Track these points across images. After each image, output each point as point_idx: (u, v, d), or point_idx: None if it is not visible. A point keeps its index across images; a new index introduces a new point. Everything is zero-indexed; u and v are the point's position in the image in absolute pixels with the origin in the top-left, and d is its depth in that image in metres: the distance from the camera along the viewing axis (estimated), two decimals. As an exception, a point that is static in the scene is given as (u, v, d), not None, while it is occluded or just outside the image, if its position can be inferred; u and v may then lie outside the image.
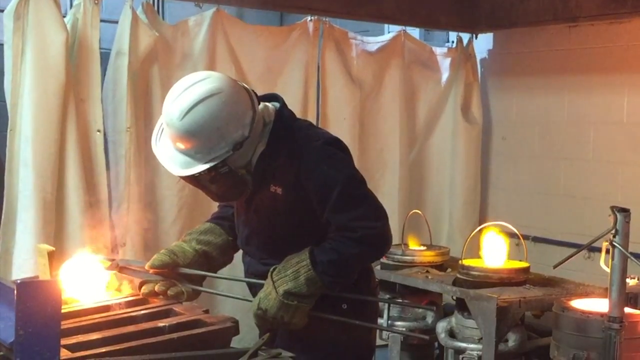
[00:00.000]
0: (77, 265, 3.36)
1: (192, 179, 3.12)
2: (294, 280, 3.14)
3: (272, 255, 3.32)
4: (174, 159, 3.09)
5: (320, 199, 3.18)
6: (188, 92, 3.03)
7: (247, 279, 3.47)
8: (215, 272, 3.55)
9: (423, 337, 4.69)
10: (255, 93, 3.18)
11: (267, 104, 3.24)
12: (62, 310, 2.41)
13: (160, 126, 3.19)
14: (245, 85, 3.17)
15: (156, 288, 3.29)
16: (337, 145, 3.26)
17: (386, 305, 5.01)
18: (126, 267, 3.42)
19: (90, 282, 3.33)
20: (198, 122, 2.99)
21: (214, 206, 5.35)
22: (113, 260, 3.43)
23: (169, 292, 3.29)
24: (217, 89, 3.03)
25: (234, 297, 3.69)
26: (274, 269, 3.19)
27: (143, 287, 3.32)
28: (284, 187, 3.21)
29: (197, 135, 3.00)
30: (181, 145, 3.05)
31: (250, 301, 3.29)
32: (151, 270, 3.33)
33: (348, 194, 3.17)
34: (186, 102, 3.00)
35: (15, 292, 2.23)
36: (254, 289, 3.39)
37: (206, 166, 3.02)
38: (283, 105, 3.28)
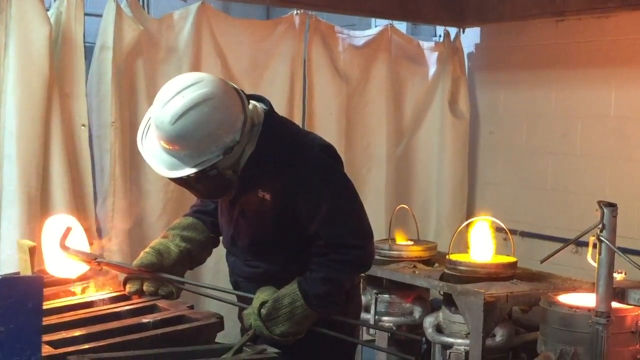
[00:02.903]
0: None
1: (178, 180, 3.07)
2: (288, 320, 3.12)
3: (257, 258, 3.30)
4: (161, 159, 3.04)
5: (309, 210, 3.13)
6: (180, 96, 2.95)
7: (231, 291, 3.45)
8: (193, 268, 3.54)
9: (415, 337, 4.68)
10: (244, 93, 3.12)
11: (255, 103, 3.18)
12: (45, 306, 2.38)
13: (146, 124, 3.12)
14: (236, 87, 3.11)
15: (144, 288, 3.25)
16: (331, 154, 3.22)
17: (373, 299, 5.00)
18: (105, 263, 3.36)
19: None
20: (190, 128, 2.92)
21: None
22: (93, 256, 3.38)
23: (159, 291, 3.26)
24: (210, 94, 2.96)
25: (217, 299, 3.64)
26: (262, 306, 3.14)
27: (128, 285, 3.28)
28: (273, 193, 3.15)
29: (188, 140, 2.95)
30: (170, 148, 3.00)
31: (233, 304, 3.35)
32: (141, 273, 3.30)
33: (338, 208, 3.15)
34: (178, 107, 2.93)
35: (-5, 288, 2.21)
36: (243, 300, 3.36)
37: (195, 170, 2.97)
38: (271, 107, 3.23)
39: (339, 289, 3.20)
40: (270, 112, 3.19)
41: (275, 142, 3.13)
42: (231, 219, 3.33)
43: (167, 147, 3.00)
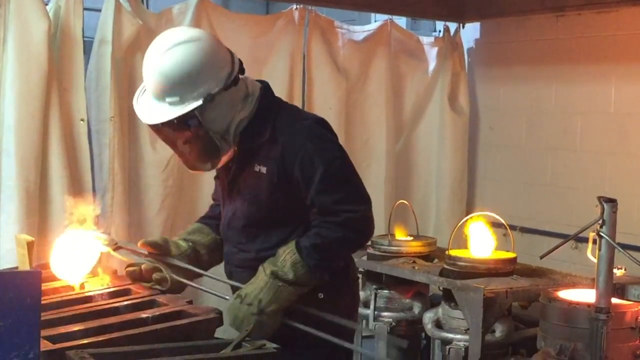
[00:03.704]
0: (70, 241, 3.34)
1: (167, 136, 3.14)
2: (280, 263, 3.12)
3: (250, 239, 3.29)
4: (149, 109, 3.10)
5: (304, 178, 3.14)
6: (170, 33, 3.12)
7: (232, 282, 3.43)
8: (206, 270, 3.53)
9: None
10: (241, 62, 3.17)
11: (253, 79, 3.26)
12: (43, 301, 2.38)
13: (142, 87, 3.18)
14: (231, 51, 3.18)
15: (142, 267, 3.29)
16: (324, 125, 3.27)
17: (372, 295, 5.00)
18: (123, 247, 3.42)
19: (80, 259, 3.33)
20: (172, 63, 3.00)
21: (199, 196, 5.38)
22: (111, 238, 3.43)
23: (153, 275, 3.28)
24: (197, 37, 3.08)
25: (218, 295, 3.62)
26: (265, 262, 3.19)
27: (129, 267, 3.32)
28: (269, 165, 3.18)
29: (169, 77, 3.01)
30: (154, 89, 3.06)
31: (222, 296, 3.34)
32: (144, 248, 3.36)
33: (332, 175, 3.14)
34: (165, 42, 3.06)
35: (-7, 283, 2.20)
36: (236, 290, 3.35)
37: (176, 114, 3.02)
38: (269, 87, 3.29)
39: (328, 246, 3.15)
40: (266, 88, 3.26)
41: (269, 114, 3.18)
42: (229, 201, 3.35)
43: (152, 89, 3.07)
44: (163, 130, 3.12)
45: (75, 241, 3.34)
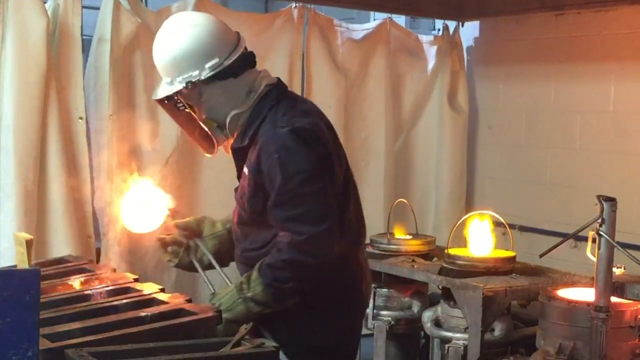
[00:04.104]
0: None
1: (171, 115, 3.29)
2: (247, 278, 3.10)
3: (243, 237, 3.28)
4: (158, 88, 3.22)
5: (269, 188, 3.07)
6: (174, 17, 3.24)
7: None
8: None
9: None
10: (251, 56, 3.20)
11: (265, 76, 3.24)
12: (42, 300, 2.37)
13: None
14: (240, 43, 3.18)
15: (167, 237, 3.46)
16: (302, 134, 3.04)
17: (372, 293, 4.99)
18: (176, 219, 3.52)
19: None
20: (164, 45, 3.13)
21: (197, 196, 5.37)
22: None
23: (169, 248, 3.45)
24: (193, 23, 3.13)
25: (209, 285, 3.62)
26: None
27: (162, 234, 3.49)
28: (249, 168, 3.15)
29: (161, 58, 3.14)
30: (157, 68, 3.19)
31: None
32: (174, 229, 3.48)
33: (289, 190, 3.01)
34: (166, 25, 3.18)
35: (-8, 281, 2.19)
36: None
37: (162, 94, 3.15)
38: (277, 87, 3.23)
39: (279, 267, 3.04)
40: (273, 88, 3.21)
41: (258, 116, 3.14)
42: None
43: (156, 64, 3.19)
44: (166, 108, 3.25)
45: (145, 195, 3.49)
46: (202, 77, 3.08)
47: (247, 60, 3.17)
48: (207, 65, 3.08)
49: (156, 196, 3.52)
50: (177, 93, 3.12)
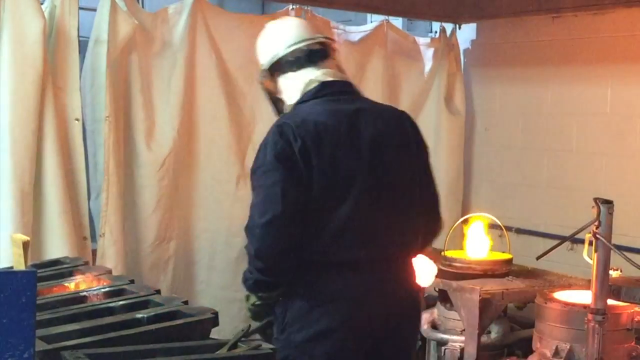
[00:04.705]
0: None
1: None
2: None
3: None
4: None
5: None
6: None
7: None
8: None
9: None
10: (308, 54, 3.35)
11: (326, 75, 3.34)
12: (38, 301, 2.36)
13: None
14: (307, 41, 3.37)
15: None
16: (278, 131, 3.19)
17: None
18: None
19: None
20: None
21: (194, 196, 5.36)
22: None
23: None
24: (269, 26, 3.52)
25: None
26: None
27: None
28: None
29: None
30: None
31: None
32: None
33: (252, 181, 3.25)
34: None
35: (-12, 282, 2.18)
36: None
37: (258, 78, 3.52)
38: (322, 85, 3.32)
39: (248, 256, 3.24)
40: (313, 90, 3.31)
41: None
42: None
43: None
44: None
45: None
46: (265, 67, 3.39)
47: (308, 58, 3.35)
48: (268, 58, 3.37)
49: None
50: (261, 81, 3.46)
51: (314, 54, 3.35)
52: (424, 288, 3.97)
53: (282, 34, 3.42)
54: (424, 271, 3.63)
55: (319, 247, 3.17)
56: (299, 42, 3.36)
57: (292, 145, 3.13)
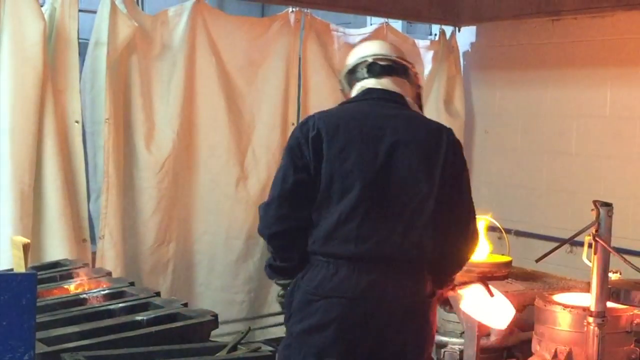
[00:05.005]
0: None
1: None
2: None
3: None
4: None
5: None
6: None
7: None
8: None
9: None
10: (369, 66, 3.47)
11: (371, 84, 3.46)
12: (38, 304, 2.37)
13: None
14: (375, 56, 3.50)
15: None
16: (303, 120, 3.43)
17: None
18: None
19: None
20: None
21: (194, 198, 5.37)
22: None
23: None
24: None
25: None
26: None
27: None
28: None
29: None
30: None
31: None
32: None
33: None
34: None
35: (-12, 284, 2.19)
36: None
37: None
38: (359, 96, 3.46)
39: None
40: (361, 95, 3.45)
41: None
42: None
43: None
44: None
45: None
46: (342, 75, 3.60)
47: (369, 69, 3.48)
48: (345, 67, 3.59)
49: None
50: (340, 88, 3.66)
51: (377, 67, 3.49)
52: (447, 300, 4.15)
53: (360, 49, 3.63)
54: (501, 312, 3.75)
55: (318, 238, 3.21)
56: (369, 55, 3.53)
57: (307, 134, 3.26)
